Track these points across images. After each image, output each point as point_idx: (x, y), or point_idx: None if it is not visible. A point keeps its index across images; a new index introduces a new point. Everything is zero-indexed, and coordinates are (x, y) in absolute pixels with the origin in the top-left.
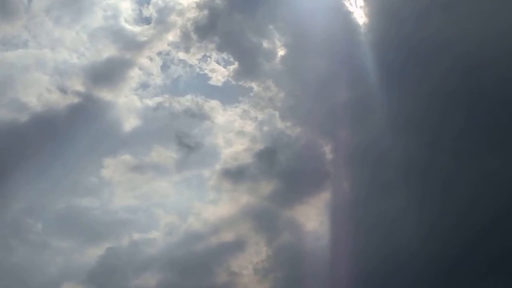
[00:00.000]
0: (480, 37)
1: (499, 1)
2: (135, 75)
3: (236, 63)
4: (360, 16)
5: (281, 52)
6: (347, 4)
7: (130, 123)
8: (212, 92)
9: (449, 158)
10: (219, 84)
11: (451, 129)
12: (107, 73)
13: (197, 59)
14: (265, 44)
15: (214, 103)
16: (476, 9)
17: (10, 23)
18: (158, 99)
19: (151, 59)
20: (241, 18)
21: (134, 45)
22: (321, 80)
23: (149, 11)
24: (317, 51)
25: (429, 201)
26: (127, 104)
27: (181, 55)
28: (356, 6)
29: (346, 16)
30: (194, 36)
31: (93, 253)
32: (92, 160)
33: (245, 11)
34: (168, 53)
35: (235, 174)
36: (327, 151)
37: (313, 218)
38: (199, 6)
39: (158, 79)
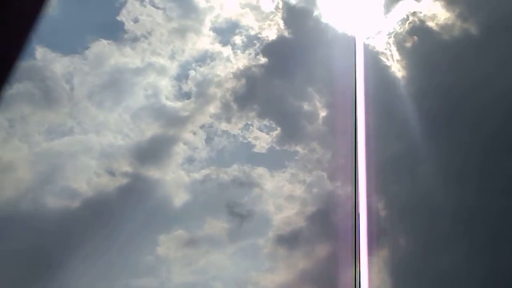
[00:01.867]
0: None
1: None
2: (180, 150)
3: (279, 128)
4: (398, 70)
5: (322, 113)
6: (383, 59)
7: (180, 198)
8: (258, 159)
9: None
10: (264, 151)
11: (504, 172)
12: (152, 151)
13: (239, 129)
14: (306, 106)
15: (261, 170)
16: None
17: (55, 112)
18: (205, 171)
19: (194, 133)
20: (279, 84)
21: (176, 121)
22: (366, 136)
23: (188, 85)
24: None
25: (492, 250)
26: (175, 179)
27: (224, 126)
28: (393, 60)
29: (383, 71)
30: (234, 106)
31: None
32: (147, 239)
33: (282, 76)
34: (211, 125)
35: (289, 240)
36: (380, 207)
37: (374, 277)
38: (236, 76)
39: (203, 152)
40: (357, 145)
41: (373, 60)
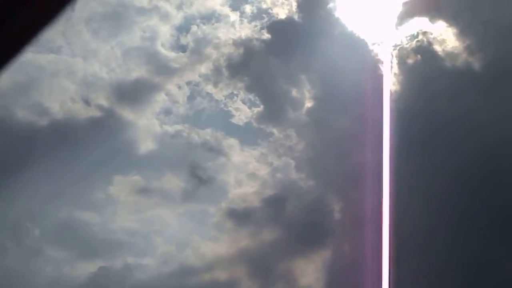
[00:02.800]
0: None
1: None
2: (160, 100)
3: (262, 106)
4: (392, 83)
5: (308, 104)
6: (382, 68)
7: (146, 146)
8: (233, 130)
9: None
10: (241, 123)
11: (454, 209)
12: (133, 93)
13: (223, 95)
14: (294, 92)
15: (233, 141)
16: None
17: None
18: (178, 127)
19: (179, 87)
20: (275, 63)
21: (165, 70)
22: (343, 139)
23: (187, 39)
24: (344, 110)
25: (424, 274)
26: (147, 127)
27: (209, 88)
28: (391, 73)
29: (378, 80)
30: (225, 72)
31: (85, 269)
32: (102, 175)
33: (280, 56)
34: (197, 84)
35: (240, 216)
36: (336, 210)
37: (309, 274)
38: (236, 43)
39: (182, 108)
40: (331, 145)
41: (372, 66)
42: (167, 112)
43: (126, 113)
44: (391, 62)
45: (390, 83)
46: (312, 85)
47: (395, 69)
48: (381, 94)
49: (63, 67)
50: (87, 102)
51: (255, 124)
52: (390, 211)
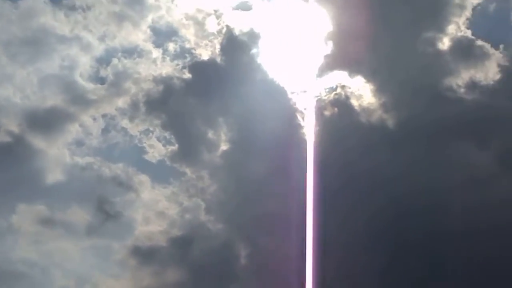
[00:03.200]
0: (418, 187)
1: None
2: (73, 130)
3: (177, 145)
4: (309, 133)
5: (224, 147)
6: (299, 117)
7: (54, 176)
8: (145, 167)
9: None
10: (154, 161)
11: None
12: (46, 121)
13: (139, 131)
14: (211, 134)
15: (144, 177)
16: (422, 159)
17: None
18: (90, 159)
19: (94, 119)
20: (194, 103)
21: (82, 101)
22: (256, 184)
23: (107, 71)
24: (259, 156)
25: None
26: (57, 156)
27: (125, 123)
28: (308, 123)
29: (295, 129)
30: (142, 108)
31: None
32: (5, 202)
33: (200, 97)
34: (113, 118)
35: (145, 254)
36: (242, 255)
37: None
38: (156, 80)
39: (95, 141)
40: (243, 190)
41: (289, 115)
42: (79, 143)
43: (37, 141)
44: (313, 113)
45: (312, 132)
46: (229, 128)
47: (313, 120)
48: (297, 142)
49: None
50: None
51: (168, 163)
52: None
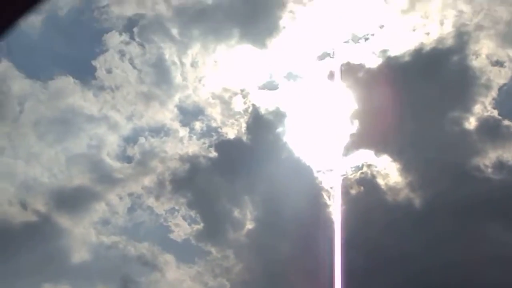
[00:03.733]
0: (444, 266)
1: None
2: (100, 209)
3: (202, 224)
4: (336, 212)
5: (249, 226)
6: (325, 196)
7: (80, 255)
8: (171, 246)
9: None
10: (179, 240)
11: None
12: (72, 200)
13: (164, 210)
14: (236, 213)
15: (169, 257)
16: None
17: None
18: (115, 238)
19: (120, 197)
20: (220, 181)
21: (108, 179)
22: (281, 264)
23: (134, 150)
24: (285, 235)
25: None
26: (83, 235)
27: (151, 201)
28: (334, 201)
29: (322, 208)
30: (168, 186)
31: None
32: (31, 282)
33: (226, 175)
34: (139, 196)
35: None
36: None
37: None
38: (182, 159)
39: (120, 219)
40: (269, 269)
41: (315, 193)
42: (105, 222)
43: (63, 220)
44: (339, 192)
45: (339, 211)
46: (254, 207)
47: (339, 199)
48: (324, 221)
49: (4, 169)
50: (24, 205)
51: (193, 242)
52: None
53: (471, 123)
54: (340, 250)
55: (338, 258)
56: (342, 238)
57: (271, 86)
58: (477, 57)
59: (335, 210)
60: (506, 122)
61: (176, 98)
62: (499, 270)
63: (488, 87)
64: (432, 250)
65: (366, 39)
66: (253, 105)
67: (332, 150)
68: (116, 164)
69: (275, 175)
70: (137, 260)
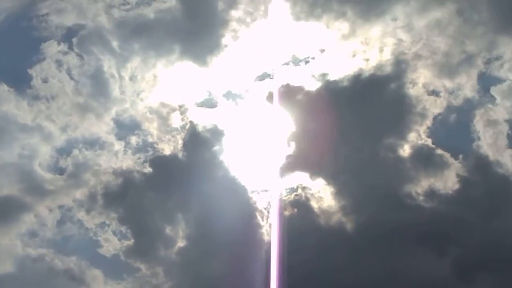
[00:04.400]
0: None
1: None
2: (28, 220)
3: (133, 240)
4: (266, 233)
5: (180, 243)
6: (259, 216)
7: (4, 267)
8: (99, 261)
9: None
10: (109, 255)
11: None
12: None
13: (94, 224)
14: (168, 230)
15: (97, 272)
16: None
17: None
18: (42, 251)
19: (50, 210)
20: (153, 197)
21: (38, 191)
22: (212, 283)
23: (66, 162)
24: (217, 254)
25: None
26: (9, 247)
27: (81, 215)
28: (266, 222)
29: (255, 229)
30: (100, 200)
31: None
32: None
33: (160, 192)
34: (69, 209)
35: None
36: None
37: None
38: (116, 173)
39: (49, 232)
40: None
41: (249, 213)
42: (32, 234)
43: None
44: (268, 213)
45: (276, 233)
46: (187, 225)
47: (270, 220)
48: (256, 241)
49: None
50: None
51: (122, 258)
52: None
53: (406, 151)
54: (277, 271)
55: (274, 280)
56: (279, 260)
57: (210, 104)
58: (414, 86)
59: (273, 231)
60: (439, 151)
61: (113, 111)
62: None
63: (423, 115)
64: (363, 274)
65: (307, 62)
66: (191, 122)
67: (268, 171)
68: (48, 175)
69: (209, 193)
70: (64, 274)
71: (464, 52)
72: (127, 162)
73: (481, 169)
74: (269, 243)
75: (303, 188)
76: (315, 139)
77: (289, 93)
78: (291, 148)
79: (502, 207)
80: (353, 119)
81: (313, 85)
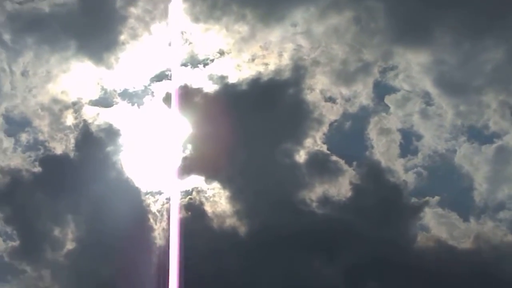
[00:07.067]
0: None
1: None
2: None
3: (18, 241)
4: (159, 237)
5: (69, 246)
6: (151, 219)
7: None
8: None
9: None
10: None
11: None
12: None
13: None
14: (57, 232)
15: None
16: (270, 269)
17: None
18: None
19: None
20: (41, 198)
21: None
22: (102, 287)
23: None
24: (107, 258)
25: None
26: None
27: None
28: (160, 224)
29: (147, 231)
30: None
31: None
32: None
33: (49, 192)
34: None
35: None
36: None
37: None
38: (3, 171)
39: None
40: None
41: (142, 216)
42: None
43: None
44: (162, 215)
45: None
46: (77, 227)
47: (164, 224)
48: (150, 245)
49: None
50: None
51: (7, 259)
52: None
53: (301, 156)
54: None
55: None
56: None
57: (105, 103)
58: (311, 92)
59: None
60: (334, 158)
61: (3, 107)
62: None
63: (320, 122)
64: (255, 278)
65: (205, 64)
66: (85, 120)
67: (163, 173)
68: None
69: (101, 195)
70: None
71: (360, 60)
72: (16, 160)
73: (373, 176)
74: (161, 247)
75: (198, 192)
76: (212, 143)
77: (187, 94)
78: (188, 151)
79: (392, 215)
80: (250, 123)
81: (211, 88)
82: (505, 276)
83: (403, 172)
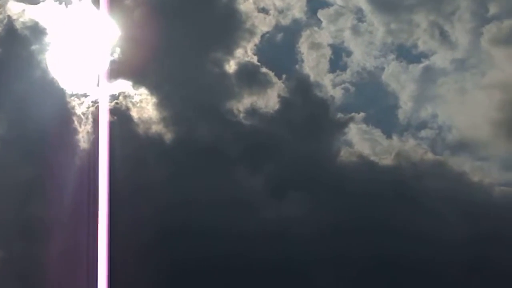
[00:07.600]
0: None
1: None
2: None
3: None
4: (83, 140)
5: None
6: (76, 121)
7: None
8: None
9: None
10: None
11: None
12: None
13: None
14: None
15: None
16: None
17: None
18: None
19: None
20: None
21: None
22: (22, 188)
23: None
24: (29, 158)
25: None
26: None
27: None
28: (84, 127)
29: (70, 133)
30: None
31: None
32: None
33: None
34: None
35: None
36: None
37: None
38: None
39: None
40: None
41: (66, 118)
42: None
43: None
44: (87, 118)
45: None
46: None
47: (88, 127)
48: (73, 147)
49: None
50: None
51: None
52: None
53: (231, 66)
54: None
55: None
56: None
57: (32, 0)
58: (245, 1)
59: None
60: (263, 69)
61: None
62: (239, 214)
63: (251, 32)
64: (179, 188)
65: None
66: (9, 16)
67: (89, 76)
68: None
69: (24, 94)
70: None
71: None
72: None
73: (301, 90)
74: (85, 150)
75: (125, 97)
76: (141, 47)
77: None
78: (116, 54)
79: (318, 130)
80: (181, 30)
81: None
82: (422, 193)
83: (331, 87)
